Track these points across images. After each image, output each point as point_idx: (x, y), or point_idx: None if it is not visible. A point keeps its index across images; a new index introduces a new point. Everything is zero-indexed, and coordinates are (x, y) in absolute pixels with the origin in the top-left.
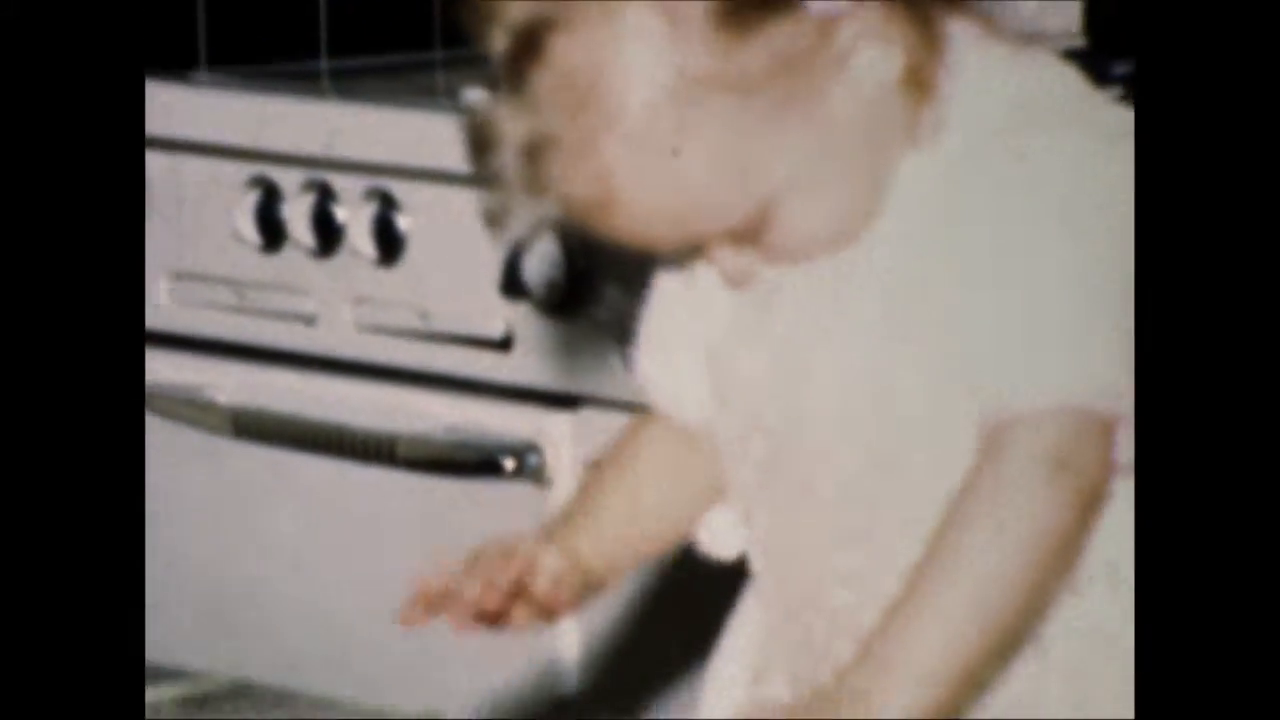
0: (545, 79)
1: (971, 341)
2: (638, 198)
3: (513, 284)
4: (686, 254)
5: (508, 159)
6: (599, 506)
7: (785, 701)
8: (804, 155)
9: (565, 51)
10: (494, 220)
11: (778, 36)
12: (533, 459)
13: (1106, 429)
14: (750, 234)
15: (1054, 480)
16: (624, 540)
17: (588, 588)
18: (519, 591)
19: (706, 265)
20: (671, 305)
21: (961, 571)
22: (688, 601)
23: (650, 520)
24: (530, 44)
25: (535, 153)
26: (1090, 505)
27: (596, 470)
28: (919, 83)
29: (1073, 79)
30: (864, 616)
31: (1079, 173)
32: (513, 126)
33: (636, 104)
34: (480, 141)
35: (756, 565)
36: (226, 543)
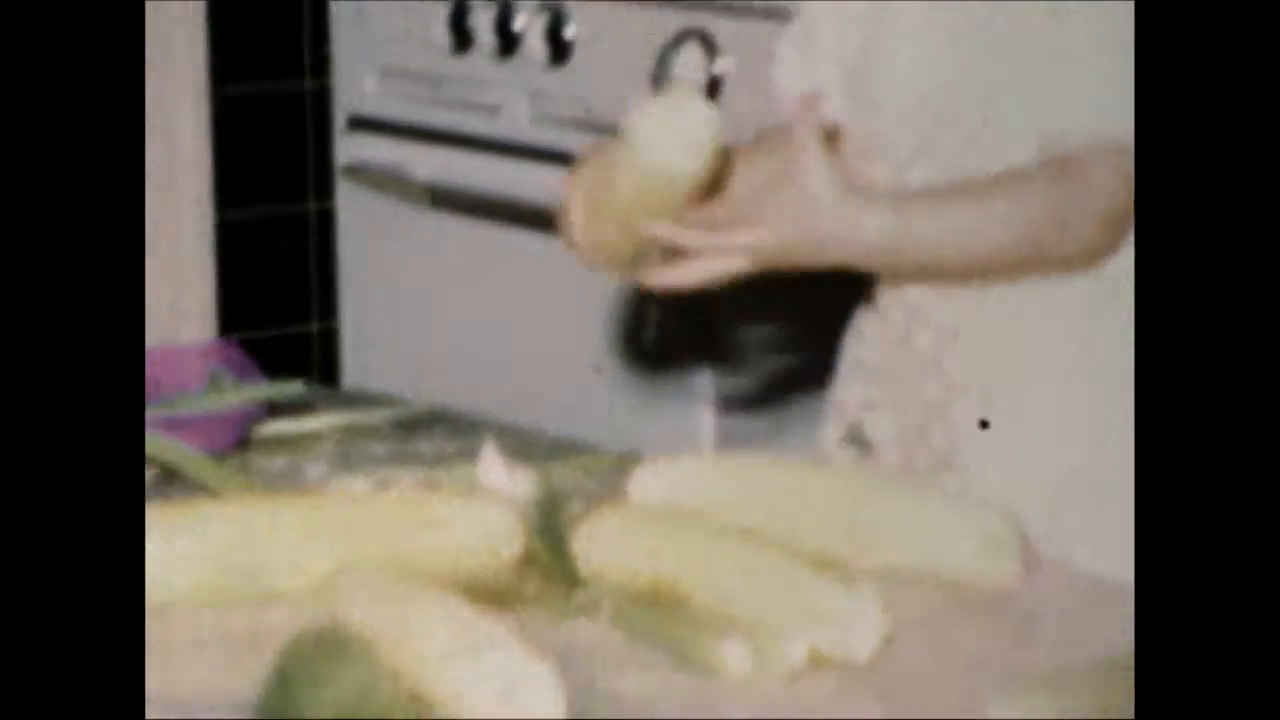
0: None
1: (1032, 84)
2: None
3: (660, 81)
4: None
5: None
6: None
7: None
8: None
9: None
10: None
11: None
12: None
13: (1125, 151)
14: None
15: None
16: None
17: None
18: None
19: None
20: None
21: (987, 212)
22: None
23: None
24: None
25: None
26: (1103, 220)
27: None
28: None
29: None
30: None
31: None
32: None
33: None
34: None
35: None
36: (418, 295)
